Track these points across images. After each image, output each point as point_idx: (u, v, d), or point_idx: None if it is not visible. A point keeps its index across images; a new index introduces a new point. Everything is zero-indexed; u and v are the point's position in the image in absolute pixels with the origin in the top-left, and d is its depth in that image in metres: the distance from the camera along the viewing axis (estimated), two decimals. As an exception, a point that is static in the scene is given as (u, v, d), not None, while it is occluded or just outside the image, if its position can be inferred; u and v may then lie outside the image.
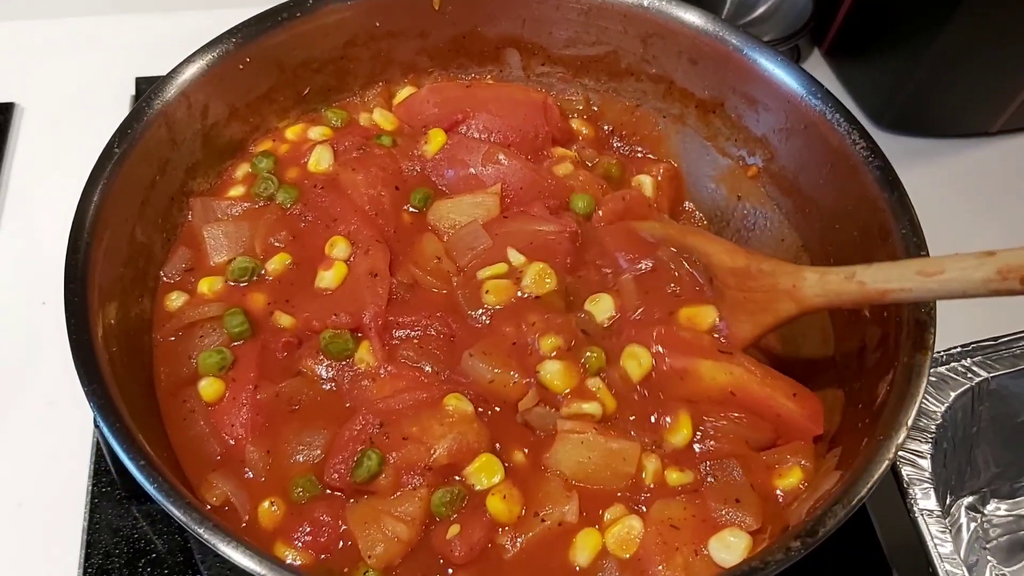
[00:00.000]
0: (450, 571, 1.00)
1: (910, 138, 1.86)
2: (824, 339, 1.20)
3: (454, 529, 1.00)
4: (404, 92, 1.43)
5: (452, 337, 1.15)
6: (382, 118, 1.39)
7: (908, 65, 1.74)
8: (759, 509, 1.01)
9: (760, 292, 1.07)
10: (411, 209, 1.29)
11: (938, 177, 1.81)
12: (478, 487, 1.03)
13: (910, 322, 1.03)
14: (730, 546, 0.98)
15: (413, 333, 1.16)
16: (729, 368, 1.09)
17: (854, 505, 0.88)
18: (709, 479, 1.05)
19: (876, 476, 0.90)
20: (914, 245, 1.08)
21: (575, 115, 1.46)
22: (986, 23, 1.61)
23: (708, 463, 1.06)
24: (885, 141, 1.81)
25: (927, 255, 1.07)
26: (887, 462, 0.92)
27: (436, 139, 1.32)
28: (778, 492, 1.06)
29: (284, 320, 1.16)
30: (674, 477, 1.06)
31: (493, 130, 1.37)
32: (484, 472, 1.04)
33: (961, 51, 1.66)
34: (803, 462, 1.07)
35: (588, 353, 1.11)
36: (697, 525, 1.01)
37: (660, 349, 1.11)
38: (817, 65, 1.99)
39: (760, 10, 1.95)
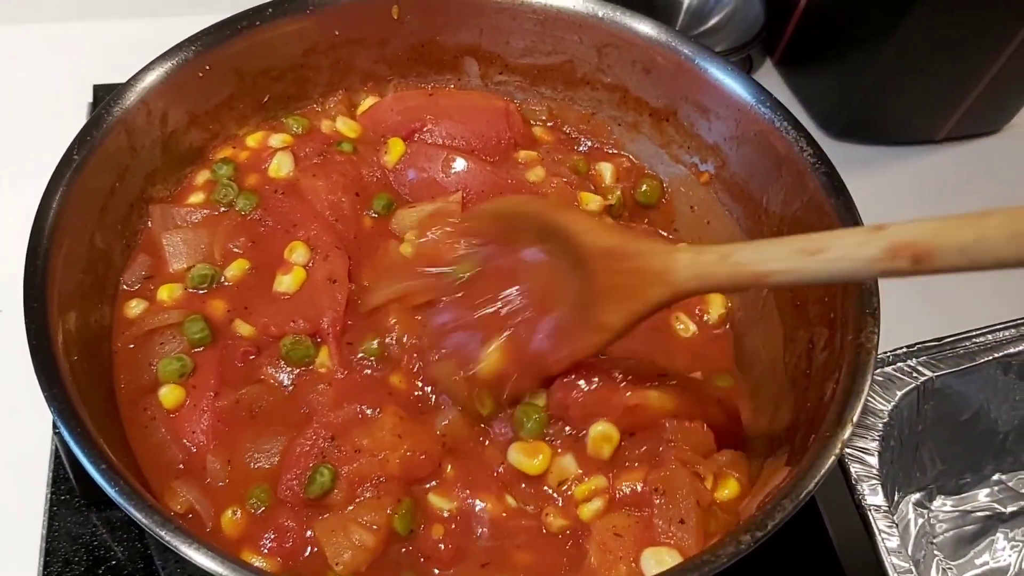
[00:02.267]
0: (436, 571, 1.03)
1: (858, 146, 1.89)
2: (775, 340, 1.24)
3: (438, 530, 1.02)
4: (369, 101, 1.45)
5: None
6: (344, 126, 1.40)
7: (855, 74, 1.78)
8: (701, 532, 1.01)
9: (630, 275, 0.96)
10: (372, 214, 1.30)
11: (885, 184, 1.85)
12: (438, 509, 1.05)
13: (856, 323, 1.06)
14: (662, 563, 0.98)
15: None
16: (667, 395, 1.09)
17: (802, 499, 0.91)
18: (657, 500, 1.04)
19: (823, 471, 0.93)
20: (859, 249, 1.11)
21: (538, 123, 1.48)
22: (931, 34, 1.65)
23: (657, 482, 1.05)
24: (834, 149, 1.85)
25: (872, 258, 1.10)
26: (833, 457, 0.94)
27: (395, 149, 1.33)
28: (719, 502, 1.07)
29: (243, 329, 1.16)
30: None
31: (456, 136, 1.38)
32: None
33: (907, 61, 1.71)
34: (736, 475, 1.09)
35: None
36: (640, 532, 1.02)
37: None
38: (769, 74, 2.02)
39: (713, 21, 1.98)
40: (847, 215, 1.14)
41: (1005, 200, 1.81)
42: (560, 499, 1.07)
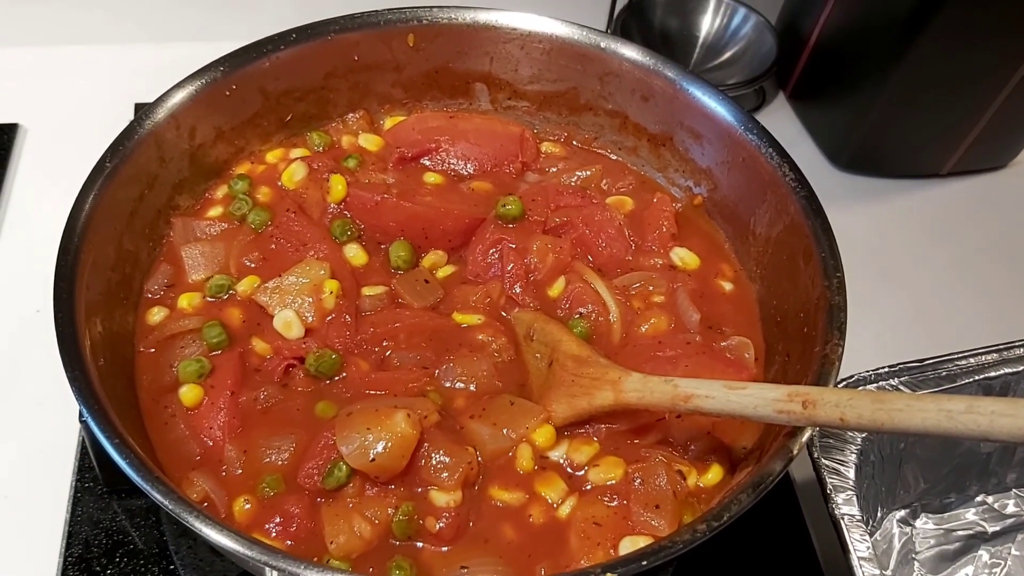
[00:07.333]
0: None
1: (865, 178, 1.94)
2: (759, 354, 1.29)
3: (432, 523, 1.07)
4: (398, 118, 1.53)
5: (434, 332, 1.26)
6: (367, 141, 1.49)
7: (862, 107, 1.83)
8: (674, 517, 1.08)
9: (588, 378, 1.15)
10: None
11: (890, 216, 1.89)
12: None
13: (824, 336, 1.12)
14: None
15: (389, 341, 1.24)
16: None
17: (759, 493, 0.97)
18: (636, 482, 1.12)
19: (779, 469, 0.99)
20: (832, 267, 1.17)
21: (548, 140, 1.56)
22: (935, 69, 1.70)
23: (637, 471, 1.13)
24: (841, 180, 1.92)
25: (842, 277, 1.16)
26: (791, 457, 1.01)
27: (336, 189, 1.36)
28: (702, 488, 1.14)
29: (260, 346, 1.22)
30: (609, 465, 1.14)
31: (470, 158, 1.48)
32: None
33: (911, 95, 1.75)
34: (718, 460, 1.16)
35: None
36: (618, 522, 1.09)
37: None
38: (781, 107, 2.08)
39: (727, 54, 2.05)
40: (823, 236, 1.20)
41: (1009, 234, 1.86)
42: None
